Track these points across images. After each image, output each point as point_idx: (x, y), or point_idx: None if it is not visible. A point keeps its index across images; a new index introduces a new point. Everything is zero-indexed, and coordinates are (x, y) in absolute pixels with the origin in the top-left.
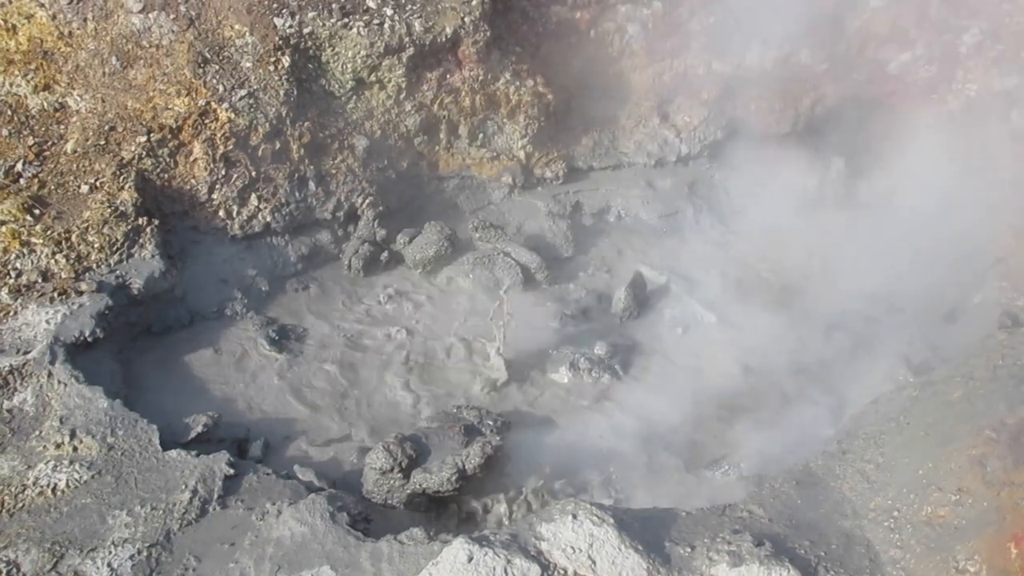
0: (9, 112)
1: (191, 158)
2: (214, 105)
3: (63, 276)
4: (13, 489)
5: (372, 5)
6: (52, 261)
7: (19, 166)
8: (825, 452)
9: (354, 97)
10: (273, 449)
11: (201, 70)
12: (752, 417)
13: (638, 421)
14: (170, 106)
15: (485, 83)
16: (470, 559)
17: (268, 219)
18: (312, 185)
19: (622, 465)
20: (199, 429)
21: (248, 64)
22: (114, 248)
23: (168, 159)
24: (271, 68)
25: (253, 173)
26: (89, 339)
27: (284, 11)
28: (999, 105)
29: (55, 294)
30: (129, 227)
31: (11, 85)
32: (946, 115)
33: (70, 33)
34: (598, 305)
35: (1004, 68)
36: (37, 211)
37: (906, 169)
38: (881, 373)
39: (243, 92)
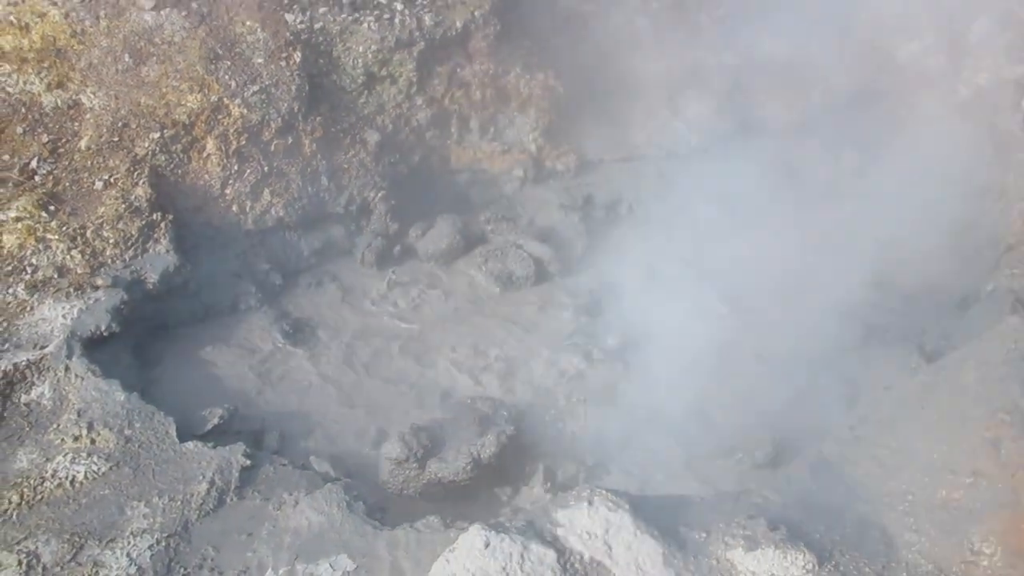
0: (23, 110)
1: (204, 154)
2: (226, 101)
3: (79, 271)
4: (32, 481)
5: (383, 0)
6: (68, 257)
7: (34, 163)
8: (839, 438)
9: (365, 92)
10: (288, 440)
11: (213, 66)
12: (766, 405)
13: (651, 411)
14: (183, 102)
15: (495, 76)
16: (487, 545)
17: (281, 213)
18: (324, 180)
19: (637, 453)
20: (215, 421)
21: (260, 60)
22: (129, 243)
23: (181, 155)
24: (283, 63)
25: (266, 168)
26: (105, 333)
27: (295, 7)
28: (1009, 94)
29: (71, 289)
30: (143, 222)
31: (25, 83)
32: (956, 104)
33: (83, 31)
34: (611, 296)
35: (1013, 56)
36: (52, 207)
37: (917, 158)
38: (894, 361)
39: (255, 88)
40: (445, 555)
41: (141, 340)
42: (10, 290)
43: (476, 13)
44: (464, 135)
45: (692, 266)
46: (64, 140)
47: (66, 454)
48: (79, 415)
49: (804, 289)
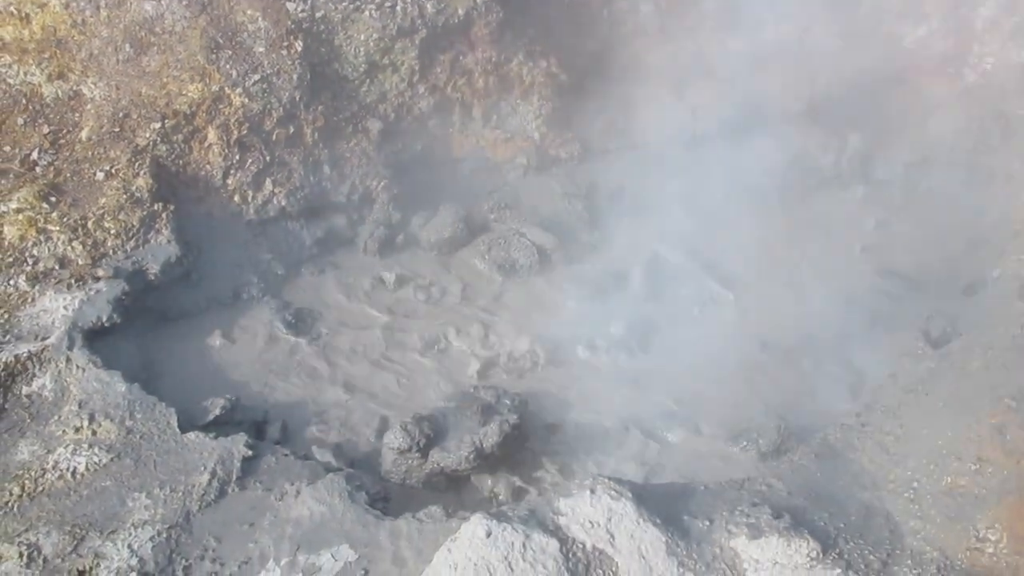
0: (24, 101)
1: (205, 144)
2: (227, 90)
3: (80, 262)
4: (33, 473)
5: None
6: (69, 248)
7: (35, 154)
8: (844, 425)
9: (367, 80)
10: (291, 431)
11: (214, 56)
12: (771, 393)
13: (655, 399)
14: (184, 92)
15: (498, 64)
16: (488, 535)
17: (283, 203)
18: (327, 169)
19: (640, 442)
20: (217, 412)
21: (261, 49)
22: (130, 234)
23: (183, 145)
24: (284, 52)
25: (267, 158)
26: (106, 324)
27: None
28: (1016, 78)
29: (72, 280)
30: (145, 213)
31: (26, 74)
32: (963, 89)
33: (83, 21)
34: (614, 285)
35: (1021, 40)
36: (53, 198)
37: (923, 144)
38: (900, 348)
39: (256, 77)
40: (447, 545)
41: (143, 331)
42: (11, 281)
43: (478, 0)
44: (467, 123)
45: (696, 254)
46: (65, 131)
47: (67, 445)
48: (80, 406)
49: (809, 276)
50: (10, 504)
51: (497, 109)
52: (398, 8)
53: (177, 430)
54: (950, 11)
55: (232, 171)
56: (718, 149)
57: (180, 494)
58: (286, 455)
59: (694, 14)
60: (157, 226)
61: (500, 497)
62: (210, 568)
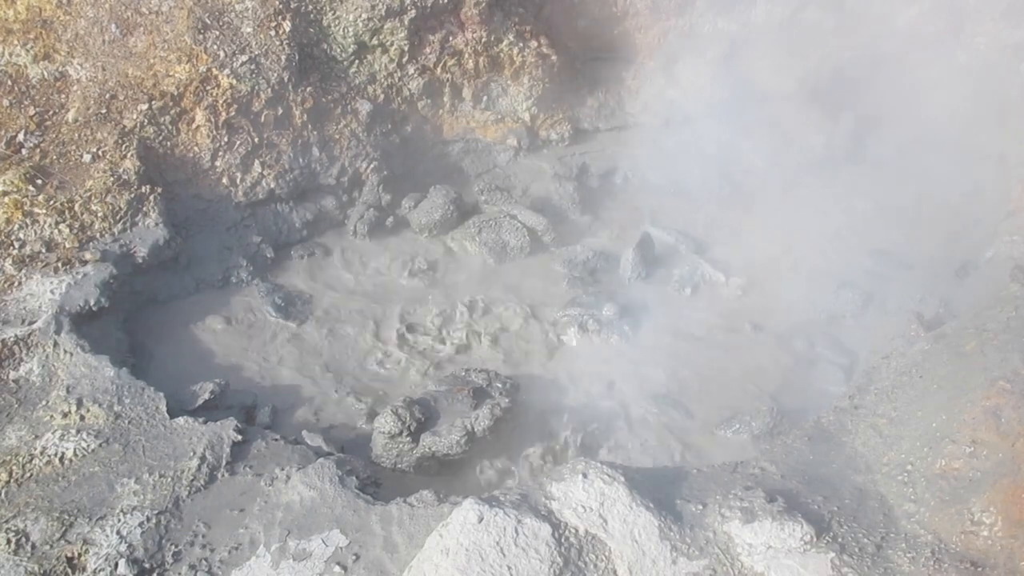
0: (9, 82)
1: (193, 125)
2: (215, 71)
3: (67, 246)
4: (21, 459)
5: None
6: (55, 231)
7: (20, 136)
8: (837, 408)
9: (356, 61)
10: (281, 415)
11: (201, 36)
12: (763, 375)
13: (648, 381)
14: (171, 73)
15: (488, 45)
16: (480, 520)
17: (272, 185)
18: (316, 151)
19: (633, 425)
20: (206, 396)
21: (249, 29)
22: (117, 217)
23: (170, 127)
24: (272, 33)
25: (256, 139)
26: (94, 308)
27: None
28: (1008, 57)
29: (59, 264)
30: (132, 196)
31: (11, 55)
32: (956, 69)
33: (69, 1)
34: (606, 266)
35: (1013, 20)
36: (39, 181)
37: (916, 124)
38: (892, 330)
39: (244, 58)
40: (439, 530)
41: (131, 315)
42: None
43: None
44: (457, 104)
45: (688, 235)
46: (51, 112)
47: (55, 431)
48: (68, 391)
49: (802, 257)
50: None
51: (487, 90)
52: None
53: (166, 415)
54: None
55: (220, 153)
56: (709, 130)
57: (169, 480)
58: (276, 440)
59: None
60: (145, 209)
61: (492, 482)
62: (200, 554)
